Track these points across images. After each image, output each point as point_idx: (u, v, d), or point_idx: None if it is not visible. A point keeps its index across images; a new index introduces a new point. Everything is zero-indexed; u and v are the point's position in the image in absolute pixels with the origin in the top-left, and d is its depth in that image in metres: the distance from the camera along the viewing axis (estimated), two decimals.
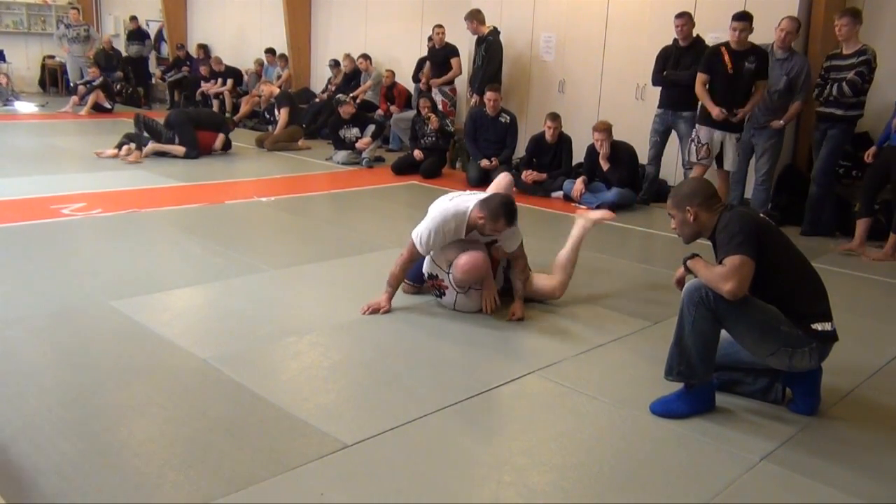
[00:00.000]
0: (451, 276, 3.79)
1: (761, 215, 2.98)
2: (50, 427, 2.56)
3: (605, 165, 6.78)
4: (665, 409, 2.90)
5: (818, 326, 2.79)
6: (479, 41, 8.29)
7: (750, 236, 2.72)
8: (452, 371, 3.19)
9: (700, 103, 6.22)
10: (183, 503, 2.18)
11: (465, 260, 3.71)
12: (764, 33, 6.22)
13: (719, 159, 6.22)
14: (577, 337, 3.67)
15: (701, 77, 6.17)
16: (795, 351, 2.78)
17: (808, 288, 2.87)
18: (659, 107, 6.93)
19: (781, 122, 6.14)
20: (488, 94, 7.64)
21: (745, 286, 2.69)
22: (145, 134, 8.34)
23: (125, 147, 8.08)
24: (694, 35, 6.68)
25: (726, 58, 6.00)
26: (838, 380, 3.23)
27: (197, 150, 8.39)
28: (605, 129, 6.70)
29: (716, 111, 6.02)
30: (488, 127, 7.72)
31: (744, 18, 5.93)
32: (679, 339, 2.85)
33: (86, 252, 4.78)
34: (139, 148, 8.09)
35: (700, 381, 2.87)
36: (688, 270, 2.94)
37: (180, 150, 8.29)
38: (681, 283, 3.03)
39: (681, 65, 6.63)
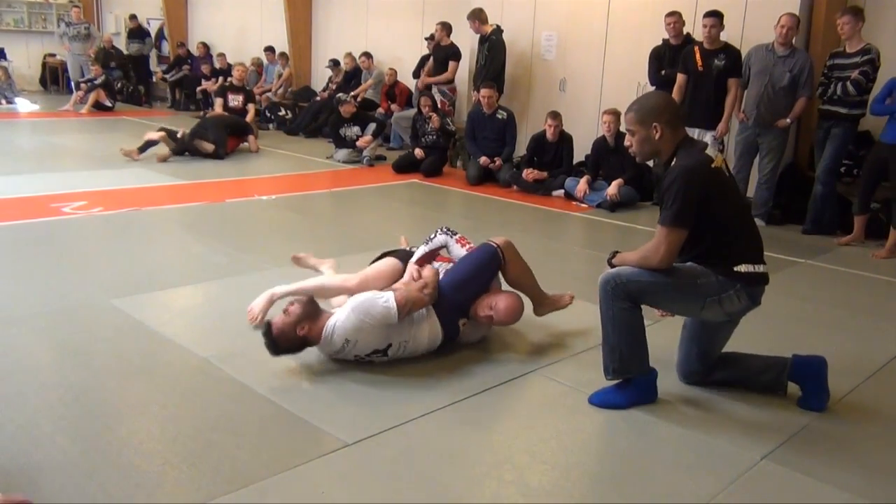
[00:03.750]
0: (484, 318, 3.37)
1: (703, 164, 2.76)
2: (51, 425, 2.57)
3: (611, 142, 6.85)
4: (603, 401, 2.90)
5: (742, 268, 2.75)
6: (482, 40, 8.28)
7: (688, 203, 2.67)
8: (452, 370, 3.19)
9: (685, 101, 6.33)
10: (184, 502, 2.19)
11: (505, 304, 3.34)
12: (764, 33, 6.22)
13: None
14: (577, 336, 3.66)
15: (680, 78, 6.37)
16: (722, 298, 2.76)
17: (736, 234, 2.81)
18: None
19: (788, 119, 6.14)
20: (482, 92, 7.65)
21: (673, 255, 2.73)
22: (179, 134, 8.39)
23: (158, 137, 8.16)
24: (685, 33, 6.70)
25: (697, 56, 6.20)
26: (839, 379, 3.22)
27: (225, 151, 8.50)
28: (614, 112, 6.82)
29: None
30: (486, 125, 7.72)
31: (714, 15, 6.11)
32: (606, 337, 2.87)
33: (86, 250, 4.79)
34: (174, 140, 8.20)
35: (638, 373, 2.88)
36: (612, 266, 2.91)
37: (210, 146, 8.36)
38: None
39: (675, 63, 6.65)
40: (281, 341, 2.99)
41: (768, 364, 3.03)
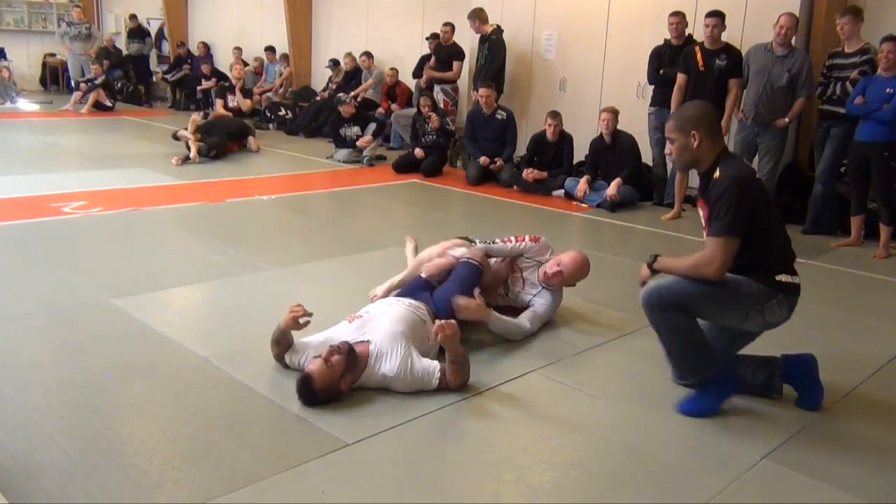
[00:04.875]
0: (555, 273, 3.65)
1: (749, 176, 2.85)
2: (51, 425, 2.57)
3: (608, 139, 6.85)
4: (690, 408, 2.87)
5: (782, 278, 2.79)
6: (483, 40, 8.28)
7: (741, 213, 2.69)
8: None
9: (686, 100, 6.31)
10: (184, 502, 2.19)
11: (570, 257, 3.69)
12: (764, 33, 6.22)
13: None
14: (577, 336, 3.66)
15: (680, 78, 6.36)
16: (765, 307, 2.78)
17: (778, 244, 2.87)
18: (652, 105, 6.96)
19: (787, 119, 6.14)
20: (481, 91, 7.64)
21: (727, 266, 2.72)
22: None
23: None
24: (687, 34, 6.70)
25: (698, 56, 6.19)
26: (839, 378, 3.22)
27: (222, 153, 8.44)
28: (612, 110, 6.84)
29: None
30: (485, 125, 7.71)
31: (716, 15, 6.10)
32: (669, 348, 2.86)
33: (86, 250, 4.79)
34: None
35: (711, 371, 2.84)
36: (654, 272, 2.89)
37: (205, 147, 8.29)
38: (644, 284, 2.94)
39: (675, 64, 6.66)
40: (322, 395, 2.77)
41: (758, 364, 3.02)
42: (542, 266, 3.75)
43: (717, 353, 2.90)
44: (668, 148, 2.94)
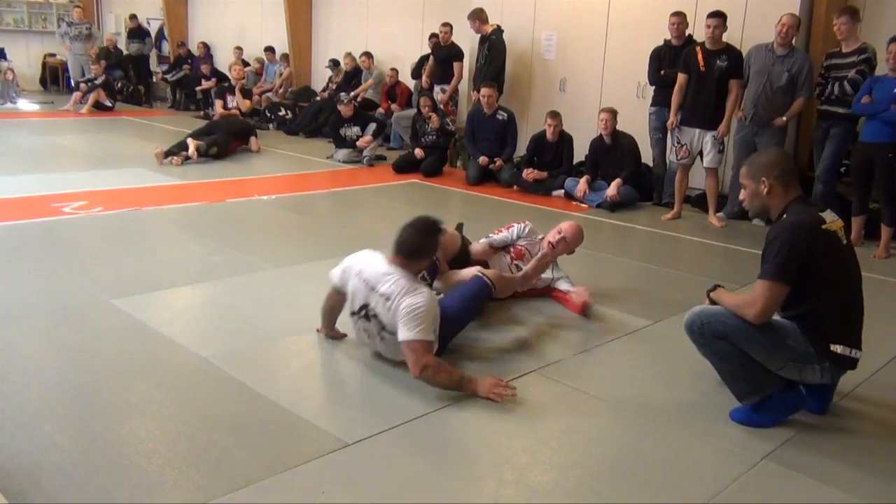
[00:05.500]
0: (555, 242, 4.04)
1: (813, 224, 2.68)
2: (51, 425, 2.57)
3: (608, 140, 6.85)
4: (746, 419, 2.80)
5: (837, 348, 2.69)
6: (483, 40, 8.28)
7: (791, 258, 2.59)
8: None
9: (687, 101, 6.33)
10: (184, 502, 2.19)
11: (568, 224, 4.14)
12: (764, 33, 6.22)
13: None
14: (577, 336, 3.67)
15: (680, 78, 6.36)
16: (805, 367, 2.71)
17: (841, 309, 2.76)
18: (652, 105, 6.97)
19: (784, 118, 6.15)
20: (483, 91, 7.63)
21: (770, 312, 2.65)
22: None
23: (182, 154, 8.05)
24: (687, 34, 6.70)
25: (699, 56, 6.19)
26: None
27: (216, 151, 8.36)
28: (611, 110, 6.84)
29: (671, 119, 6.37)
30: (486, 125, 7.71)
31: (718, 16, 6.11)
32: (721, 372, 2.83)
33: (86, 250, 4.79)
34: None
35: (772, 390, 2.76)
36: (712, 302, 2.86)
37: (199, 143, 8.23)
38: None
39: (675, 64, 6.66)
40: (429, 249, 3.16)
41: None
42: (544, 239, 4.18)
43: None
44: (742, 195, 2.90)
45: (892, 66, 5.30)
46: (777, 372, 2.77)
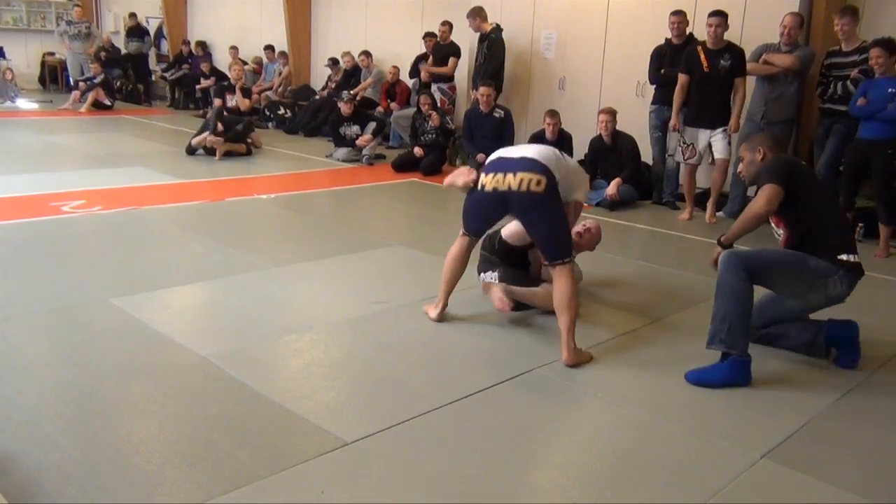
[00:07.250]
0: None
1: (793, 159, 3.44)
2: (50, 425, 2.56)
3: (607, 140, 6.84)
4: (698, 378, 3.09)
5: (843, 256, 3.15)
6: (482, 38, 8.28)
7: (781, 171, 3.18)
8: (452, 369, 3.19)
9: (691, 102, 6.32)
10: (183, 501, 2.19)
11: (592, 221, 4.37)
12: (764, 33, 6.21)
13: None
14: (577, 335, 3.66)
15: (682, 79, 6.34)
16: (828, 280, 3.13)
17: (834, 223, 3.27)
18: (653, 103, 6.96)
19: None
20: (481, 90, 7.63)
21: (772, 204, 3.14)
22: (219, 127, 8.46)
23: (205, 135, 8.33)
24: (688, 33, 6.70)
25: (702, 56, 6.16)
26: (838, 377, 3.24)
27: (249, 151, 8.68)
28: (610, 111, 6.84)
29: (672, 121, 6.40)
30: (483, 124, 7.70)
31: (719, 15, 6.08)
32: (719, 308, 3.09)
33: (86, 249, 4.78)
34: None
35: (738, 353, 3.06)
36: (724, 247, 3.21)
37: (243, 148, 8.59)
38: (717, 262, 3.23)
39: (676, 63, 6.65)
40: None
41: (805, 325, 3.40)
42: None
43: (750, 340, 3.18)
44: (741, 167, 3.44)
45: (880, 71, 5.34)
46: (807, 298, 3.23)
